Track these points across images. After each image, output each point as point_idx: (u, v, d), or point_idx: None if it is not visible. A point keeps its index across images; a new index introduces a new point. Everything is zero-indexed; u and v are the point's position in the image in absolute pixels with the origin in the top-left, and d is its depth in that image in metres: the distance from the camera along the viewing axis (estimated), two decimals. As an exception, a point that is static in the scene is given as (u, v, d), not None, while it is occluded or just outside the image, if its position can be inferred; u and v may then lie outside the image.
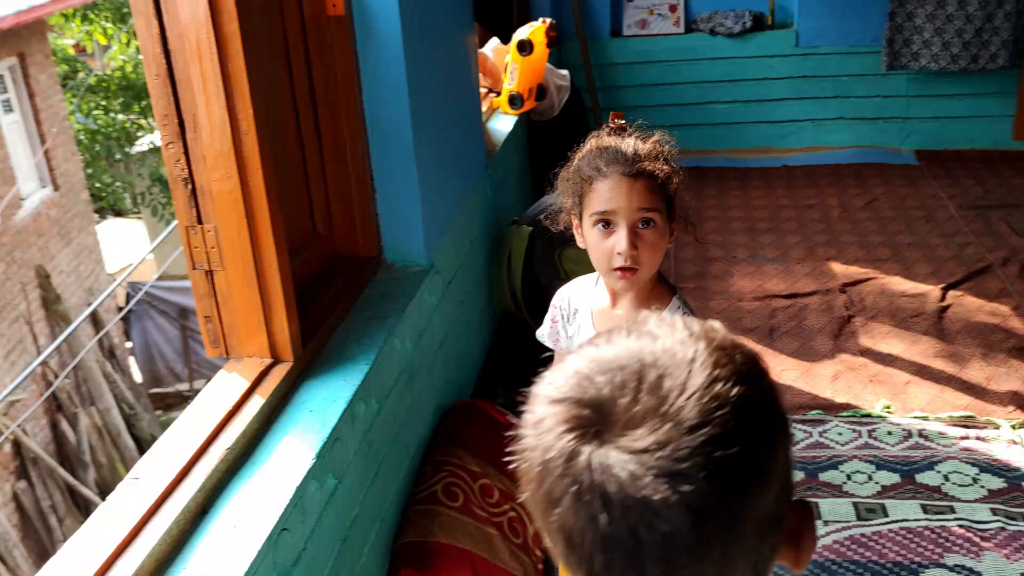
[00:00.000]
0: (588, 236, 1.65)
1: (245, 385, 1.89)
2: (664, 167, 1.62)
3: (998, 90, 5.39)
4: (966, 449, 2.88)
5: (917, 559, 2.45)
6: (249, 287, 1.93)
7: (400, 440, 2.36)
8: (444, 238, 2.79)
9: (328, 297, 2.30)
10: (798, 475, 2.79)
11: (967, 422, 3.00)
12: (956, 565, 2.42)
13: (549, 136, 4.25)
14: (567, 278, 3.51)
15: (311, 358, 2.08)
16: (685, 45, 5.59)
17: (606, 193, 1.59)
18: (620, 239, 1.58)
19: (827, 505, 2.67)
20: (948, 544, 2.49)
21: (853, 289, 3.93)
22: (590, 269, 3.55)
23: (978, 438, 2.92)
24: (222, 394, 1.85)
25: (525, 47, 3.94)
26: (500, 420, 2.73)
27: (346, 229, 2.51)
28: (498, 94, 4.14)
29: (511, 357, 3.52)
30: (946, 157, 5.48)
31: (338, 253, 2.51)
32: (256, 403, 1.85)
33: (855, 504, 2.67)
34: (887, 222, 4.64)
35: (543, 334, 1.89)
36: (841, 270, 4.11)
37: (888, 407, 3.10)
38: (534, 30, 4.01)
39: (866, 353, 3.43)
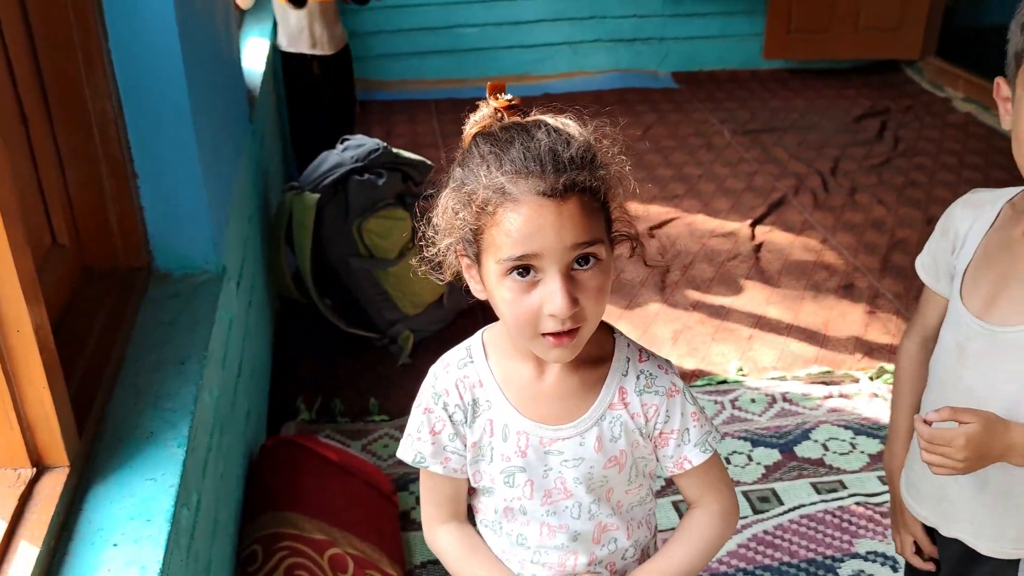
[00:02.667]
0: (496, 290, 1.03)
1: (-2, 528, 1.16)
2: (602, 171, 1.02)
3: (747, 8, 5.31)
4: (833, 410, 2.67)
5: (830, 552, 2.18)
6: (-20, 363, 1.18)
7: (220, 525, 1.69)
8: (228, 226, 2.07)
9: (92, 342, 1.56)
10: (676, 467, 2.43)
11: (825, 378, 2.79)
12: (869, 552, 2.18)
13: (311, 75, 3.48)
14: (369, 255, 2.90)
15: (91, 451, 1.36)
16: (429, -40, 4.98)
17: (521, 227, 0.97)
18: (553, 294, 0.98)
19: (717, 500, 2.33)
20: (854, 529, 2.25)
21: (661, 232, 3.63)
22: (396, 244, 2.92)
23: (841, 395, 2.72)
24: (-41, 555, 1.11)
25: None
26: (331, 458, 2.11)
27: (98, 233, 1.74)
28: None
29: (302, 353, 2.86)
30: (702, 78, 5.35)
31: (90, 269, 1.74)
32: (26, 557, 1.13)
33: (745, 494, 2.35)
34: (670, 152, 4.40)
35: (421, 455, 1.16)
36: (641, 211, 3.79)
37: (741, 369, 2.82)
38: None
39: (698, 307, 3.14)
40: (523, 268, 0.99)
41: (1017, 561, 1.29)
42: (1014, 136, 1.12)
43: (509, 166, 0.99)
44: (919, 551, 1.43)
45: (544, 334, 1.01)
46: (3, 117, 1.45)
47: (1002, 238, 1.24)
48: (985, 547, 1.30)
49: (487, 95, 1.08)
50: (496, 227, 0.99)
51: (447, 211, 1.06)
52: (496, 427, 1.13)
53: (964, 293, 1.26)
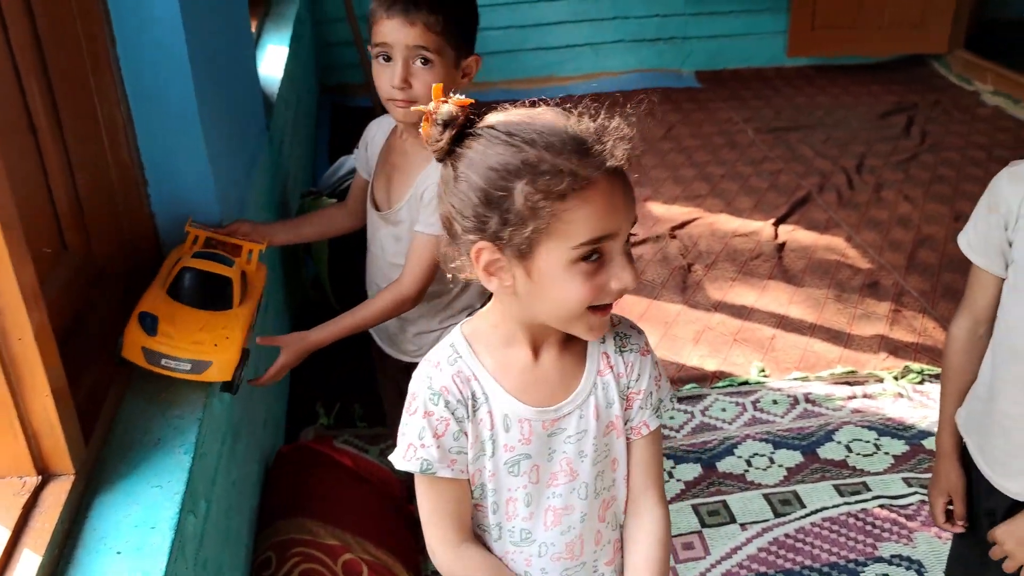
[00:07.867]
0: (559, 277, 1.00)
1: (2, 535, 1.16)
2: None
3: (771, 6, 5.25)
4: (857, 411, 2.62)
5: (852, 556, 2.14)
6: (-17, 370, 1.18)
7: (232, 531, 1.69)
8: (241, 231, 2.07)
9: (100, 348, 1.56)
10: (695, 470, 2.40)
11: (849, 379, 2.75)
12: (893, 556, 2.14)
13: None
14: (386, 257, 2.89)
15: (97, 459, 1.36)
16: (451, -37, 4.97)
17: (601, 206, 0.97)
18: (624, 269, 1.02)
19: (737, 503, 2.30)
20: (878, 532, 2.20)
21: (682, 232, 3.60)
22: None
23: (865, 395, 2.68)
24: (-38, 563, 1.11)
25: None
26: (345, 464, 2.10)
27: (109, 240, 1.75)
28: None
29: (321, 359, 2.85)
30: (725, 77, 5.30)
31: (101, 276, 1.75)
32: (29, 565, 1.13)
33: (766, 497, 2.32)
34: (692, 152, 4.35)
35: (427, 462, 1.10)
36: (663, 211, 3.76)
37: (763, 370, 2.78)
38: None
39: (720, 308, 3.10)
40: (598, 251, 1.00)
41: None
42: None
43: (571, 144, 0.97)
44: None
45: (593, 309, 1.03)
46: (10, 125, 1.46)
47: None
48: None
49: (433, 99, 1.05)
50: (569, 212, 0.97)
51: (481, 197, 1.00)
52: (496, 419, 1.12)
53: None
